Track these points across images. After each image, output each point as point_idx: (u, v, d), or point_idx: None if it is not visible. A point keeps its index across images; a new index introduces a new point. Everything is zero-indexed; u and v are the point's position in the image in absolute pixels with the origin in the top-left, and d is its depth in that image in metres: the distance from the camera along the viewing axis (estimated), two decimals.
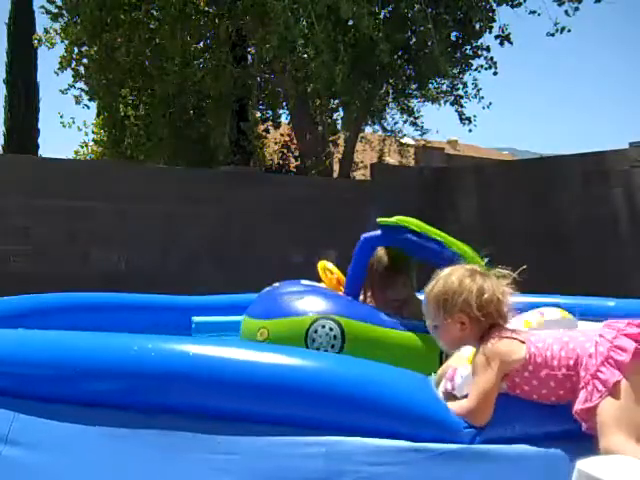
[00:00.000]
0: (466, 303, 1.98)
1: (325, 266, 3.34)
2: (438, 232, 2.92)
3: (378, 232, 3.02)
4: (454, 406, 1.94)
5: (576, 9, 10.23)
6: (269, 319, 2.90)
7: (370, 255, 3.08)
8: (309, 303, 2.86)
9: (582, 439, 1.86)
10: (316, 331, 2.71)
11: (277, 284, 3.27)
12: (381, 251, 3.09)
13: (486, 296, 1.98)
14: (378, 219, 3.03)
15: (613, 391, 1.78)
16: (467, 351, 2.31)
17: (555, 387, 1.90)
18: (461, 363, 2.25)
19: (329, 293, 3.07)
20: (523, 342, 1.94)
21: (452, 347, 2.11)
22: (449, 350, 2.15)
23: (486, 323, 1.99)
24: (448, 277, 2.04)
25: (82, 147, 16.70)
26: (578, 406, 1.83)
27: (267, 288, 3.30)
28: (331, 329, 2.71)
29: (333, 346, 2.69)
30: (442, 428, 1.86)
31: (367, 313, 2.87)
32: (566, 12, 10.29)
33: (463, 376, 2.18)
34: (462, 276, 2.02)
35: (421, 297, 2.64)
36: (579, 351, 1.89)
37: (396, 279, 3.05)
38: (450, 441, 1.85)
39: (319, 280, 3.40)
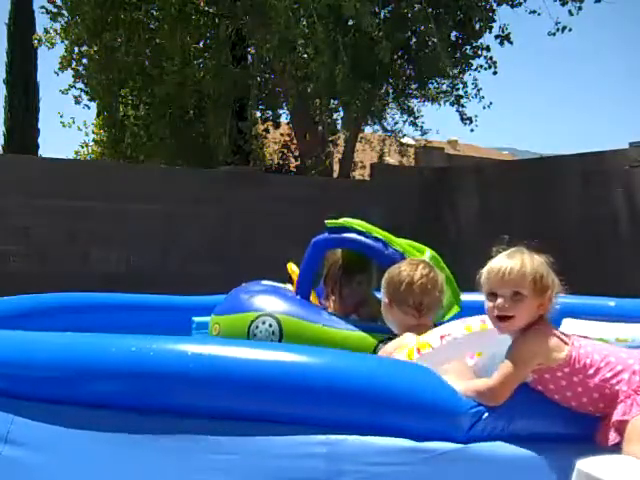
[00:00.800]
0: (554, 285, 1.99)
1: (291, 268, 3.42)
2: (381, 232, 3.01)
3: (326, 235, 3.14)
4: (472, 384, 1.94)
5: (579, 8, 10.22)
6: (221, 315, 3.13)
7: (320, 257, 3.19)
8: (255, 301, 3.04)
9: (582, 440, 1.86)
10: (257, 327, 2.88)
11: (244, 284, 3.37)
12: (338, 253, 3.20)
13: (557, 286, 2.01)
14: (326, 221, 3.16)
15: None
16: (410, 339, 2.35)
17: (581, 393, 1.92)
18: (411, 355, 2.28)
19: (278, 292, 3.20)
20: (567, 343, 1.95)
21: (521, 324, 1.97)
22: (512, 329, 2.00)
23: (541, 312, 1.99)
24: (534, 257, 2.04)
25: (82, 147, 16.71)
26: (616, 418, 1.84)
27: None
28: (270, 325, 2.87)
29: (272, 341, 2.85)
30: (448, 417, 1.87)
31: (307, 312, 2.98)
32: (569, 12, 10.27)
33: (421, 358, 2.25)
34: (545, 261, 2.05)
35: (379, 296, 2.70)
36: (620, 366, 1.91)
37: (351, 280, 3.12)
38: (454, 430, 1.86)
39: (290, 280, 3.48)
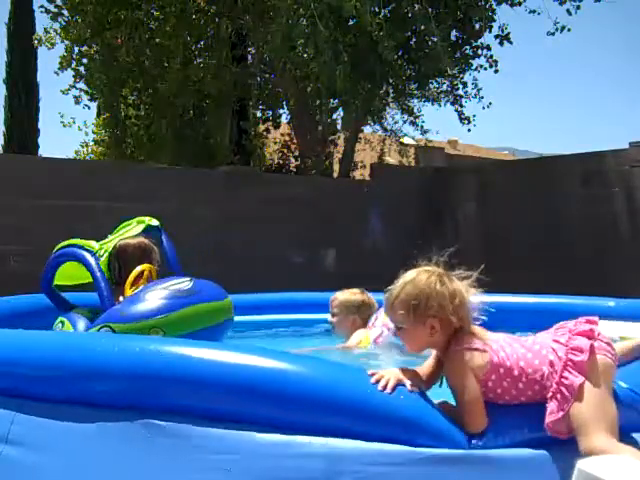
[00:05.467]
0: (440, 307, 1.96)
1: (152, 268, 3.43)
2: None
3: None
4: (458, 417, 1.92)
5: (578, 8, 10.22)
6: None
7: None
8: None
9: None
10: None
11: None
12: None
13: (457, 301, 1.97)
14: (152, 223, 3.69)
15: (579, 394, 1.81)
16: (364, 331, 3.84)
17: (517, 394, 1.93)
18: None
19: None
20: (486, 351, 1.94)
21: (417, 350, 2.06)
22: (413, 352, 2.09)
23: (453, 328, 1.98)
24: (416, 281, 2.00)
25: (82, 147, 16.71)
26: (552, 418, 1.83)
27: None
28: None
29: None
30: (439, 436, 1.85)
31: None
32: (568, 11, 10.28)
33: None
34: (431, 280, 1.99)
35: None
36: (537, 361, 1.91)
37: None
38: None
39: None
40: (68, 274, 3.52)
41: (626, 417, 1.88)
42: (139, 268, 3.30)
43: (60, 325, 3.22)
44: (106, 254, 3.40)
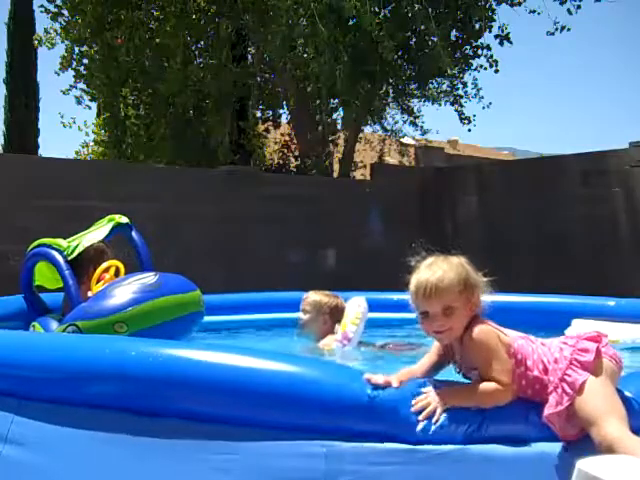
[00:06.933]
0: (479, 283, 2.00)
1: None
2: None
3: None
4: (484, 387, 1.89)
5: (578, 7, 10.22)
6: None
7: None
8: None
9: (581, 439, 1.85)
10: None
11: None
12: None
13: (482, 282, 2.03)
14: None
15: (583, 390, 1.82)
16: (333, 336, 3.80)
17: (525, 386, 1.94)
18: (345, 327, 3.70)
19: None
20: (507, 335, 1.98)
21: (454, 337, 2.00)
22: (453, 338, 2.01)
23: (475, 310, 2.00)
24: (451, 263, 2.00)
25: (82, 147, 16.70)
26: (549, 411, 1.85)
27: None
28: None
29: None
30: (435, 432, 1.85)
31: None
32: (568, 10, 10.28)
33: (354, 332, 3.66)
34: (461, 260, 2.03)
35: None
36: (545, 358, 1.94)
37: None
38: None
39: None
40: (54, 277, 3.53)
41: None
42: (105, 264, 3.32)
43: (32, 329, 3.23)
44: (76, 251, 3.39)
